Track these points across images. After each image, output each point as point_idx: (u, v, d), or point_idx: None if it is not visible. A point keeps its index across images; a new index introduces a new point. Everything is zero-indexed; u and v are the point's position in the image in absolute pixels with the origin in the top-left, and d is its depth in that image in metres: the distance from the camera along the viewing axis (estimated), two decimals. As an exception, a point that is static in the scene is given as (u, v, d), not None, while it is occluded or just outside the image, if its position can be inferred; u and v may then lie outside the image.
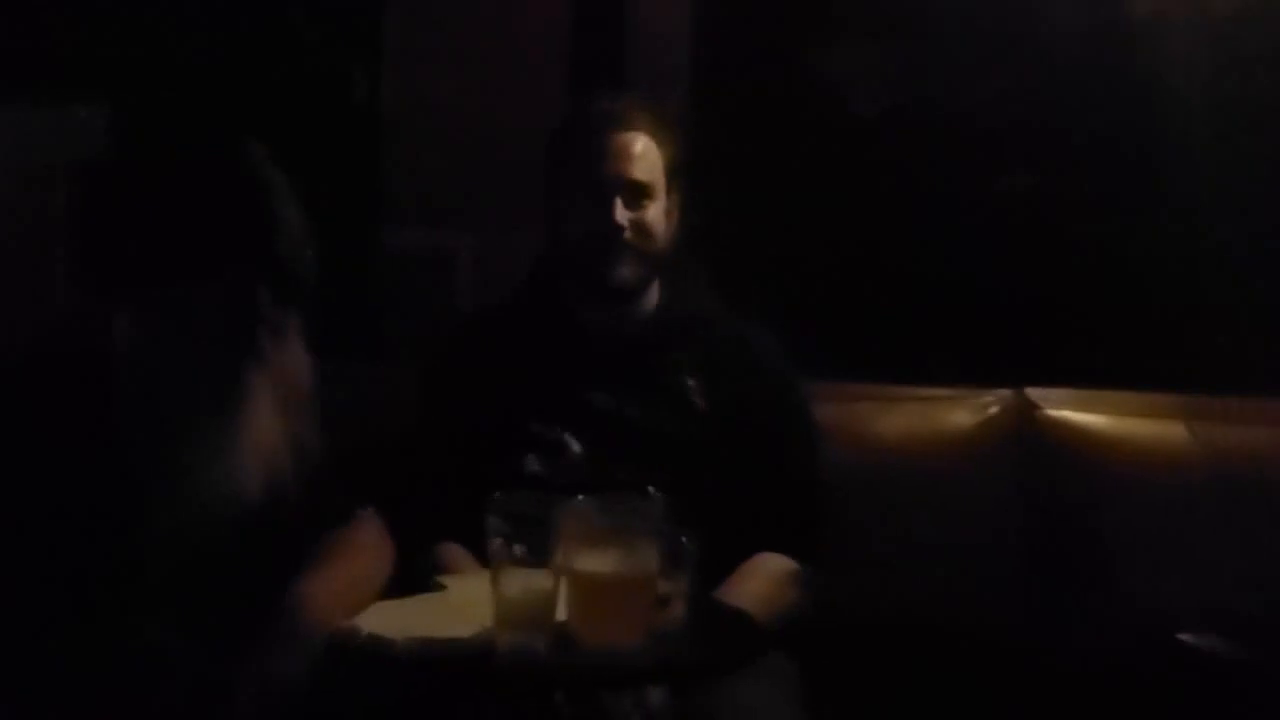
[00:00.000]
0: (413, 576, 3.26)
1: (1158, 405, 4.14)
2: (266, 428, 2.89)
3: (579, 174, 3.60)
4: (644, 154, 3.60)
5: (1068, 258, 4.57)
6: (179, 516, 2.84)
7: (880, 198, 4.61)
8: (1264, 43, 4.45)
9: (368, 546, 3.20)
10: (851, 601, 3.58)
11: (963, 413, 4.13)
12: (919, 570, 3.85)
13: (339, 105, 4.32)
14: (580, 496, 3.05)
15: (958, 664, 3.76)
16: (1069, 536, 3.97)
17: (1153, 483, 4.01)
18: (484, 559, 3.06)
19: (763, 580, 3.46)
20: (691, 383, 3.62)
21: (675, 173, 3.64)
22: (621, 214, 3.55)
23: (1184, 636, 3.40)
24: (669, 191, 3.62)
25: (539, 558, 2.99)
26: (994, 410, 4.13)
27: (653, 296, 3.67)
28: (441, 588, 3.21)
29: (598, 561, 2.99)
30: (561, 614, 2.98)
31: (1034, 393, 4.15)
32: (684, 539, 3.03)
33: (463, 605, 3.11)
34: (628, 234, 3.56)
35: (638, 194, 3.57)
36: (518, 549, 3.02)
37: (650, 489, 3.16)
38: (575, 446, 3.51)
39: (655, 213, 3.60)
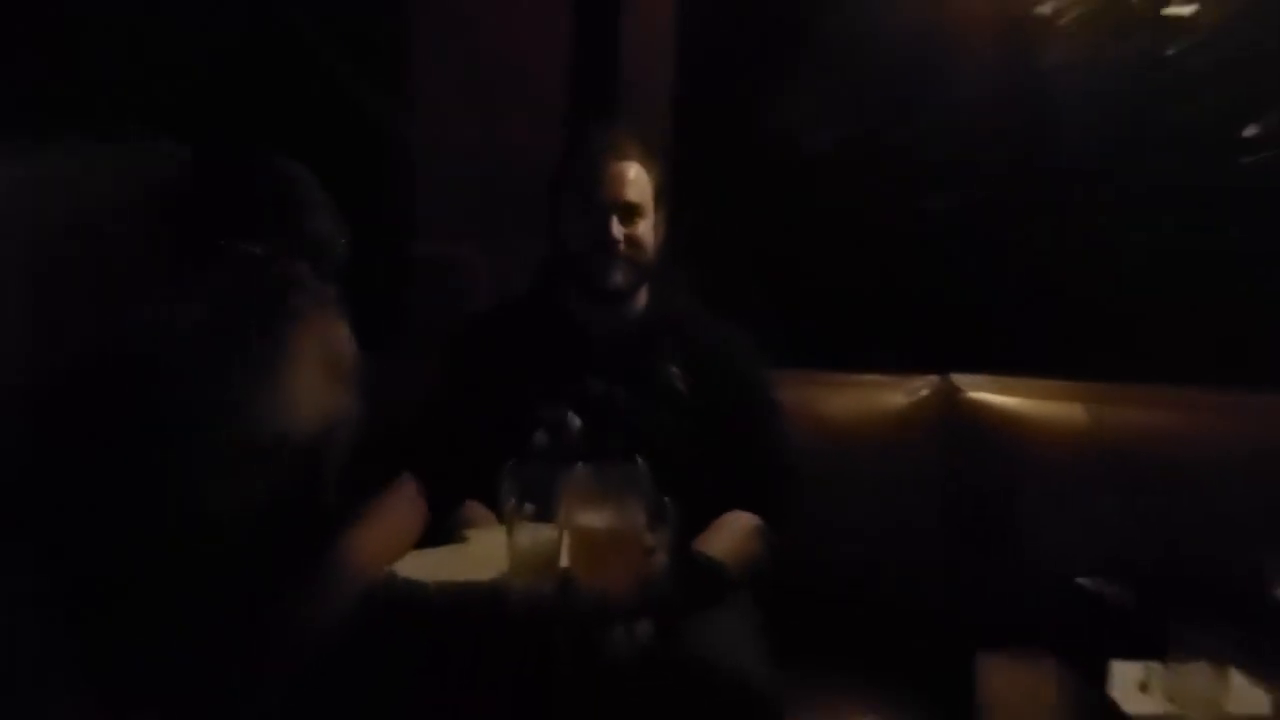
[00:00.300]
0: (441, 531, 3.31)
1: (1062, 390, 4.14)
2: (309, 374, 2.90)
3: (580, 196, 3.60)
4: (635, 179, 3.60)
5: (988, 263, 4.57)
6: (237, 449, 2.85)
7: (829, 216, 4.60)
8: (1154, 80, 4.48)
9: (404, 506, 3.25)
10: (802, 554, 3.56)
11: (898, 395, 4.14)
12: (860, 526, 3.84)
13: (377, 138, 4.31)
14: (580, 465, 3.11)
15: (892, 606, 3.79)
16: (986, 500, 3.98)
17: (1056, 456, 4.01)
18: (500, 516, 3.14)
19: (732, 534, 3.47)
20: (675, 371, 3.63)
21: (661, 195, 3.65)
22: (617, 230, 3.56)
23: (1081, 580, 3.40)
24: (656, 210, 3.63)
25: (546, 515, 3.06)
26: (924, 393, 4.14)
27: (642, 298, 3.68)
28: (465, 540, 3.26)
29: (594, 518, 3.04)
30: (564, 561, 3.02)
31: (958, 378, 4.16)
32: (666, 500, 3.08)
33: (482, 554, 3.15)
34: (621, 247, 3.58)
35: (630, 213, 3.58)
36: (528, 508, 3.08)
37: (638, 459, 3.18)
38: (576, 424, 3.50)
39: (645, 229, 3.61)
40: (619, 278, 3.61)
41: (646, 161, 3.64)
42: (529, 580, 3.05)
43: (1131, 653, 3.16)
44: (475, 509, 3.36)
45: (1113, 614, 3.28)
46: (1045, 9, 4.53)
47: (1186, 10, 4.52)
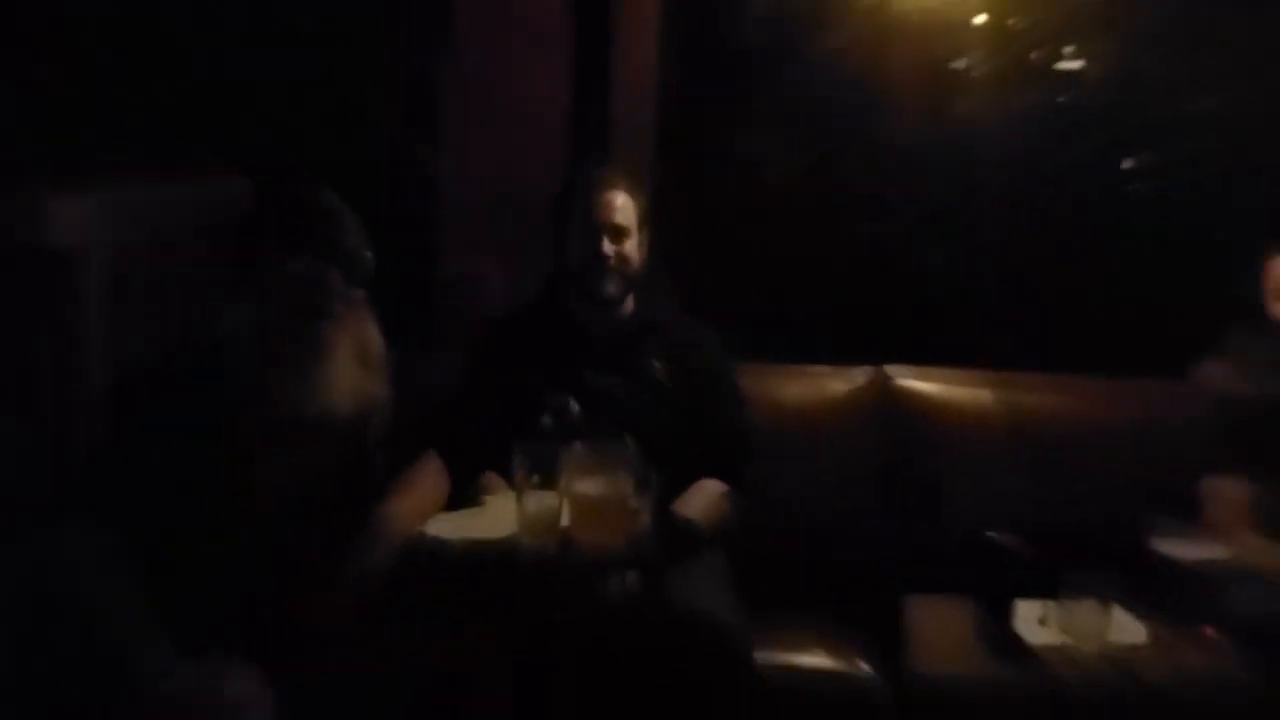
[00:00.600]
0: (463, 497, 3.31)
1: (976, 378, 4.13)
2: (346, 366, 2.92)
3: (579, 220, 3.60)
4: (623, 206, 3.60)
5: (915, 274, 4.58)
6: (287, 429, 2.87)
7: (787, 234, 4.59)
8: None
9: (431, 477, 3.26)
10: (762, 517, 3.56)
11: (840, 383, 4.11)
12: (809, 493, 3.82)
13: (413, 174, 4.31)
14: (578, 443, 3.12)
15: (837, 559, 3.78)
16: (913, 471, 3.97)
17: (971, 433, 4.01)
18: (512, 485, 3.13)
19: (703, 498, 3.46)
20: (657, 365, 3.62)
21: (644, 219, 3.65)
22: (608, 248, 3.57)
23: (990, 535, 3.41)
24: (640, 231, 3.63)
25: (549, 484, 3.06)
26: (861, 381, 4.11)
27: (629, 304, 3.68)
28: (482, 504, 3.25)
29: (590, 486, 3.04)
30: (564, 522, 3.03)
31: (890, 369, 4.13)
32: (649, 471, 3.08)
33: (497, 517, 3.15)
34: (612, 261, 3.59)
35: (619, 234, 3.59)
36: (535, 478, 3.08)
37: (627, 438, 3.24)
38: (575, 409, 3.51)
39: (631, 247, 3.61)
40: (610, 288, 3.62)
41: (632, 191, 3.65)
42: (536, 538, 3.05)
43: (1031, 594, 3.21)
44: (492, 478, 3.34)
45: (1016, 562, 3.29)
46: (960, 64, 4.55)
47: (1075, 65, 4.55)
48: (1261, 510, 3.39)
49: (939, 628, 3.28)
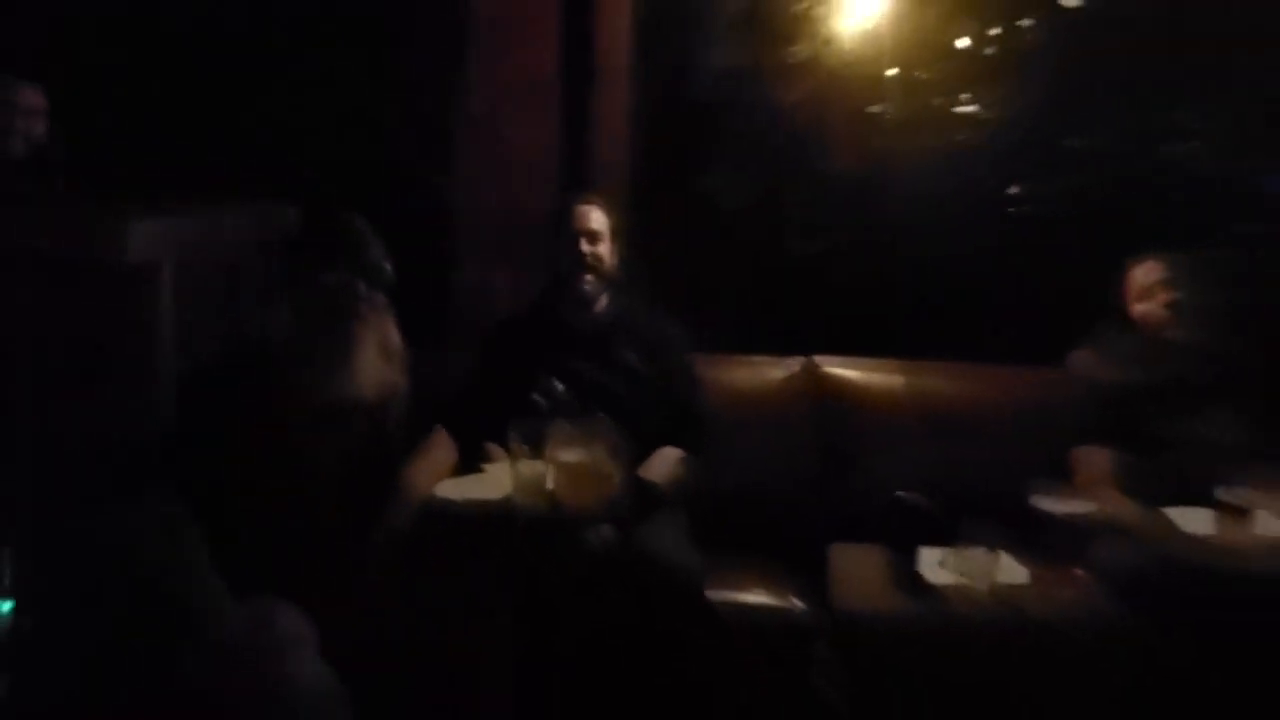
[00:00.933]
0: (467, 465, 3.31)
1: (890, 366, 4.13)
2: (370, 358, 2.93)
3: (565, 229, 3.63)
4: (598, 218, 3.65)
5: (844, 285, 4.54)
6: (323, 410, 2.86)
7: (738, 252, 4.58)
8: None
9: (441, 449, 3.27)
10: (713, 479, 3.56)
11: (778, 370, 4.11)
12: (752, 461, 3.80)
13: (428, 197, 4.31)
14: (562, 420, 3.14)
15: (775, 516, 3.77)
16: (839, 444, 3.96)
17: (887, 413, 4.01)
18: (509, 454, 3.15)
19: (665, 464, 3.45)
20: (629, 354, 3.62)
21: (615, 231, 3.68)
22: (585, 248, 3.61)
23: (901, 495, 3.40)
24: (612, 240, 3.66)
25: (539, 454, 3.07)
26: (796, 369, 4.10)
27: (606, 304, 3.68)
28: (482, 471, 3.25)
29: (572, 455, 3.07)
30: (550, 485, 3.05)
31: (820, 359, 4.13)
32: (621, 442, 3.12)
33: (495, 481, 3.17)
34: (589, 260, 3.61)
35: (594, 238, 3.63)
36: (527, 448, 3.09)
37: (603, 415, 3.24)
38: (561, 391, 3.50)
39: (604, 250, 3.64)
40: (588, 283, 3.64)
41: (605, 209, 3.69)
42: (527, 498, 3.07)
43: (933, 542, 3.22)
44: (492, 449, 3.35)
45: (921, 517, 3.29)
46: (877, 109, 4.54)
47: (970, 109, 4.55)
48: (1120, 474, 3.41)
49: (859, 570, 3.26)
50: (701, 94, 4.60)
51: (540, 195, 4.03)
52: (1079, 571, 3.17)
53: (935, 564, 3.18)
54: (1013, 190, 4.63)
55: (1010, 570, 3.14)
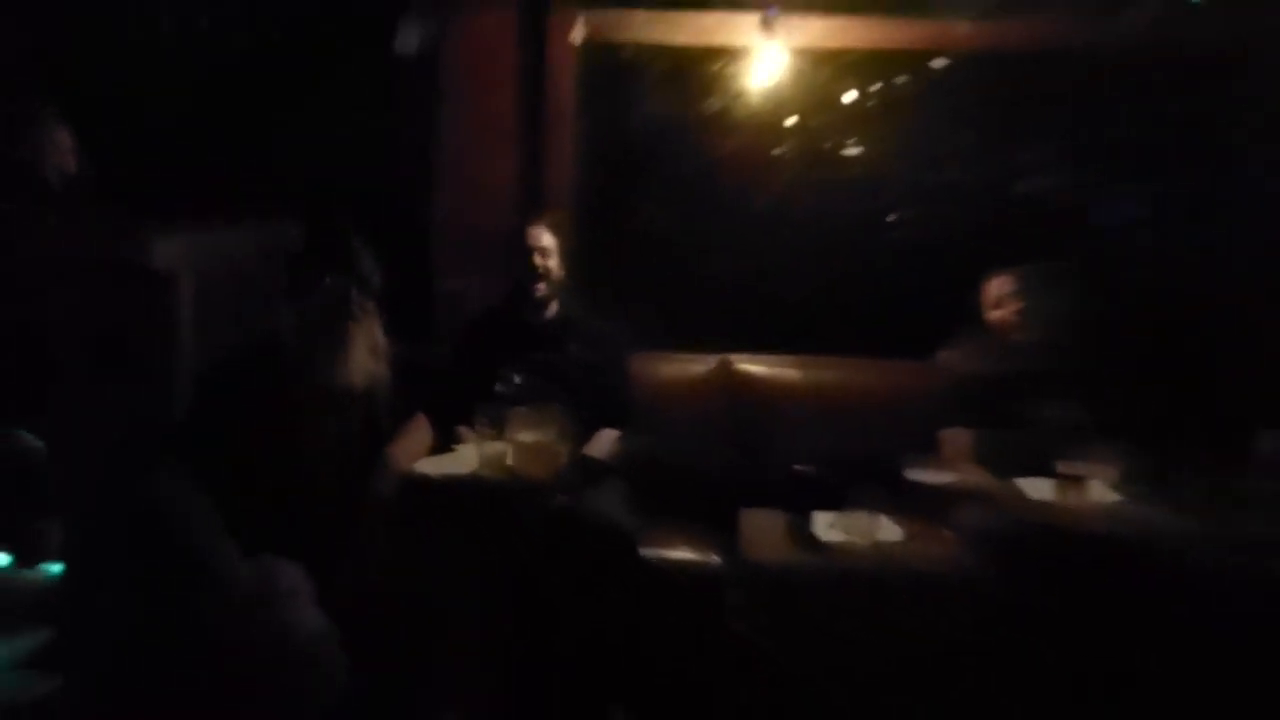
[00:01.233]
0: (442, 446, 3.31)
1: (793, 362, 4.12)
2: (362, 354, 2.90)
3: (522, 247, 3.63)
4: (548, 237, 3.64)
5: (754, 291, 4.50)
6: (323, 397, 2.84)
7: (666, 269, 4.55)
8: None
9: (419, 431, 3.25)
10: (645, 457, 3.58)
11: (697, 367, 4.11)
12: (677, 440, 3.81)
13: (412, 220, 4.27)
14: (521, 407, 3.14)
15: (694, 488, 3.72)
16: (748, 428, 3.95)
17: (788, 401, 4.02)
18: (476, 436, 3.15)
19: (606, 442, 3.49)
20: (576, 350, 3.63)
21: (564, 248, 3.67)
22: (538, 259, 3.61)
23: (798, 468, 3.44)
24: (560, 256, 3.66)
25: (501, 435, 3.07)
26: (713, 365, 4.11)
27: (555, 307, 3.68)
28: (454, 451, 3.26)
29: (529, 436, 3.07)
30: (510, 461, 3.05)
31: (733, 356, 4.13)
32: (569, 425, 3.14)
33: (464, 459, 3.17)
34: (540, 269, 3.61)
35: (545, 253, 3.62)
36: (491, 431, 3.09)
37: (554, 403, 3.25)
38: (520, 381, 3.51)
39: (554, 263, 3.63)
40: (540, 290, 3.63)
41: (554, 229, 3.68)
42: (491, 473, 3.08)
43: (825, 507, 3.23)
44: (464, 431, 3.34)
45: (815, 486, 3.32)
46: (778, 151, 4.54)
47: (855, 151, 4.56)
48: (979, 451, 3.42)
49: (764, 531, 3.24)
50: (636, 136, 4.58)
51: (502, 218, 3.99)
52: (945, 531, 3.20)
53: (827, 525, 3.19)
54: (891, 218, 4.64)
55: (888, 530, 3.16)
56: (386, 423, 3.20)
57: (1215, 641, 2.72)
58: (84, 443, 2.87)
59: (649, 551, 3.37)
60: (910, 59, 4.41)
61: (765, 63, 4.19)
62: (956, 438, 3.47)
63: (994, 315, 3.73)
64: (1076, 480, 3.16)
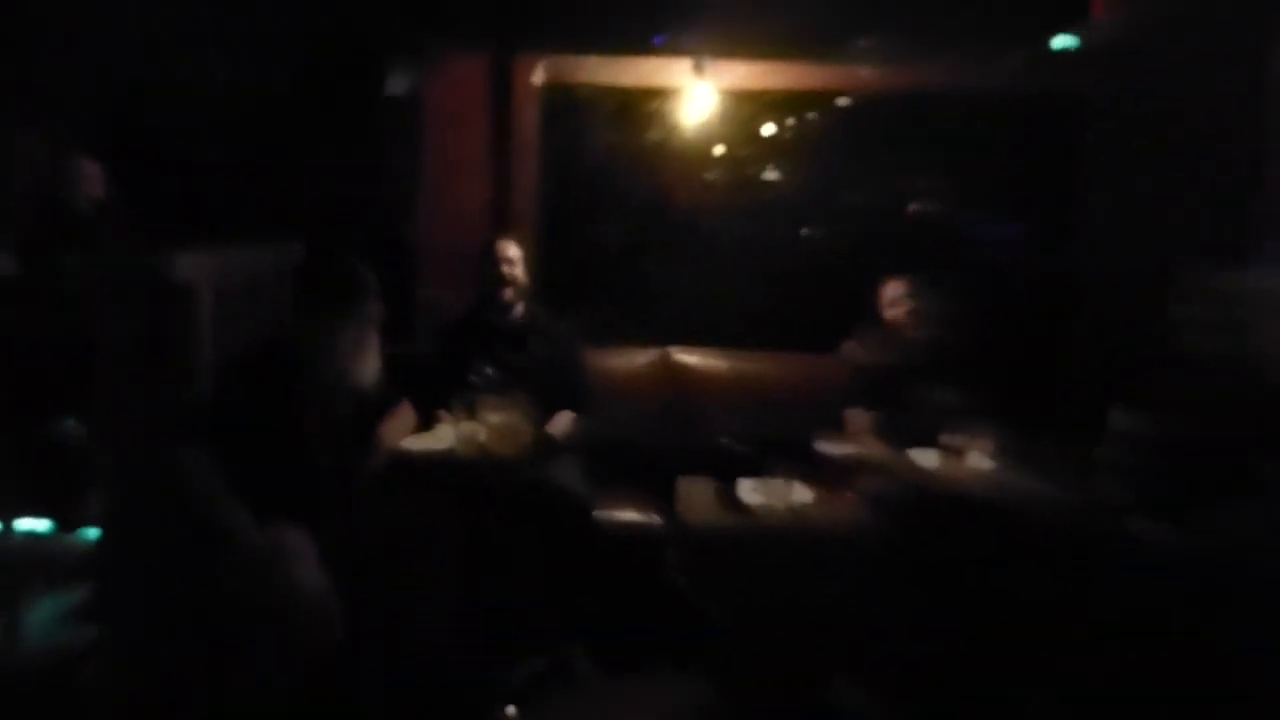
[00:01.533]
0: (423, 427, 3.27)
1: (722, 354, 4.12)
2: (361, 353, 2.88)
3: (491, 259, 3.60)
4: (514, 250, 3.62)
5: (690, 295, 4.46)
6: (322, 387, 2.82)
7: (621, 278, 4.52)
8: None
9: (404, 415, 3.21)
10: (596, 436, 3.57)
11: (642, 358, 4.11)
12: (624, 422, 3.80)
13: (398, 238, 4.26)
14: (493, 395, 3.13)
15: (639, 458, 3.74)
16: (686, 415, 3.95)
17: (719, 387, 4.02)
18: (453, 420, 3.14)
19: (562, 423, 3.46)
20: (538, 346, 3.60)
21: (527, 260, 3.66)
22: (506, 268, 3.58)
23: (724, 440, 3.43)
24: (525, 267, 3.63)
25: (474, 418, 3.06)
26: (655, 356, 4.11)
27: (520, 310, 3.65)
28: (433, 432, 3.22)
29: (497, 419, 3.06)
30: (481, 440, 3.03)
31: (673, 349, 4.12)
32: (532, 410, 3.13)
33: (442, 438, 3.14)
34: (507, 277, 3.59)
35: (512, 264, 3.60)
36: (466, 414, 3.08)
37: (520, 391, 3.23)
38: (490, 373, 3.50)
39: (519, 271, 3.61)
40: (507, 293, 3.60)
41: (518, 240, 3.67)
42: (465, 450, 3.07)
43: (748, 475, 3.23)
44: (442, 415, 3.32)
45: (740, 457, 3.32)
46: (709, 176, 4.51)
47: (773, 176, 4.55)
48: (877, 427, 3.42)
49: (697, 496, 3.27)
50: (589, 164, 4.55)
51: (476, 235, 3.96)
52: (848, 495, 3.21)
53: (750, 490, 3.18)
54: (804, 232, 4.64)
55: (801, 494, 3.17)
56: (377, 408, 3.18)
57: (1073, 588, 2.73)
58: (120, 429, 2.83)
59: (601, 515, 3.38)
60: (820, 98, 4.42)
61: (697, 101, 4.24)
62: (858, 416, 3.46)
63: (889, 314, 3.73)
64: (958, 451, 3.19)
